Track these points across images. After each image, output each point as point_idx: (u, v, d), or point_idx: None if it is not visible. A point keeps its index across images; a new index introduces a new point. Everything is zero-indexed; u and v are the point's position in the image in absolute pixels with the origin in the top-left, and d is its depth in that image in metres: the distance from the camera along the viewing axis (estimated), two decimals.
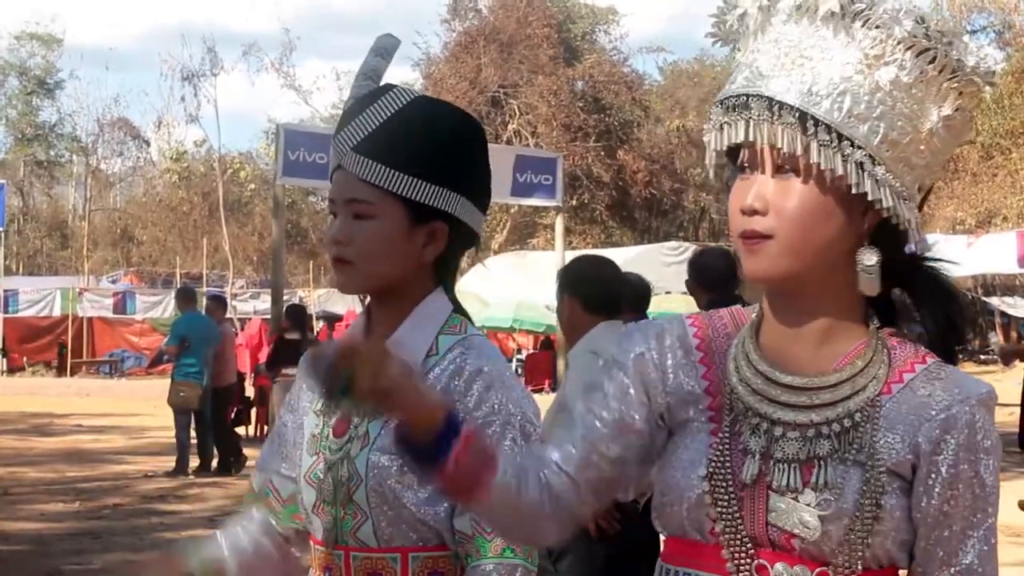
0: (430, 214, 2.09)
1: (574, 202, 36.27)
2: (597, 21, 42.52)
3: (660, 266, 19.65)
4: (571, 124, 37.64)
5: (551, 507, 1.70)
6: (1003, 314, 34.62)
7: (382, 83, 2.22)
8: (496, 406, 2.02)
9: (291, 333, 14.15)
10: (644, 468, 1.76)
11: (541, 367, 27.40)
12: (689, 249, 19.22)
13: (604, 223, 40.62)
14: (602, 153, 38.27)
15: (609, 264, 5.25)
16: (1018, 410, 15.78)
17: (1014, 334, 36.43)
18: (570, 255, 11.30)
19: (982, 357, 36.53)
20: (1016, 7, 36.15)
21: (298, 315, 14.84)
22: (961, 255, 19.54)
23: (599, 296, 4.92)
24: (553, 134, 36.74)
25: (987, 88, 1.64)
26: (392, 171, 2.05)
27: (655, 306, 7.00)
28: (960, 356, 1.71)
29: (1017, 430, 15.73)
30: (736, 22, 1.70)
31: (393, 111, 2.09)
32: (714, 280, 5.68)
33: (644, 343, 1.75)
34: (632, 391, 1.73)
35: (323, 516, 2.08)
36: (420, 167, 2.06)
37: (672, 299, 19.99)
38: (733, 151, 1.66)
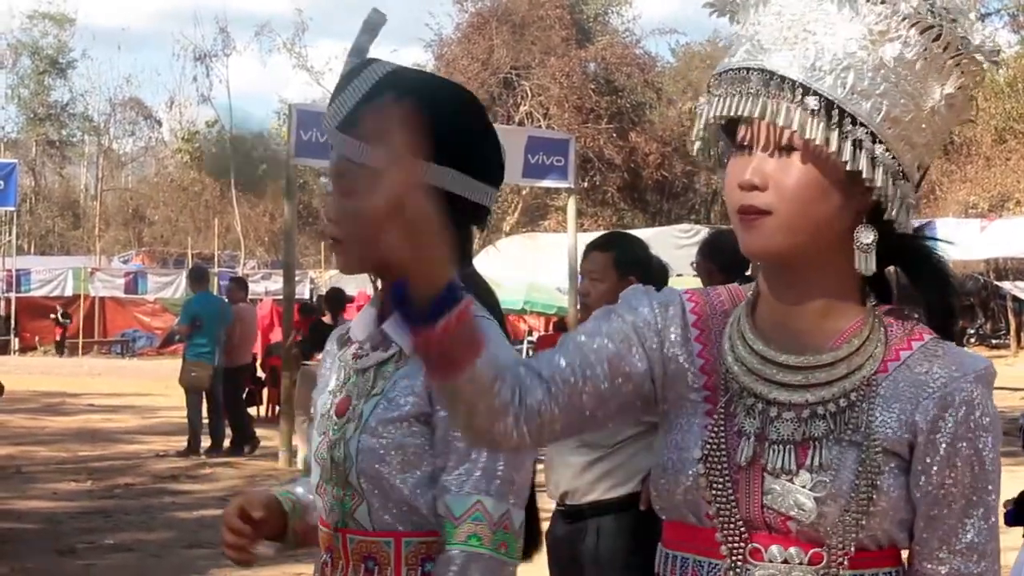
0: None
1: (586, 184, 36.15)
2: (610, 2, 42.29)
3: (672, 248, 19.49)
4: (583, 106, 37.49)
5: (515, 412, 1.62)
6: (1015, 298, 34.46)
7: (367, 58, 2.16)
8: None
9: (328, 317, 14.15)
10: (619, 417, 1.73)
11: None
12: (701, 231, 19.16)
13: (616, 205, 40.52)
14: (614, 135, 38.12)
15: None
16: None
17: None
18: (582, 237, 11.27)
19: (994, 341, 36.42)
20: None
21: (337, 300, 14.55)
22: (974, 239, 19.48)
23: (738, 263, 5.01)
24: (565, 116, 36.59)
25: (991, 67, 1.62)
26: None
27: None
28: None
29: None
30: None
31: (370, 86, 2.04)
32: (731, 262, 5.67)
33: (649, 307, 1.73)
34: (632, 340, 1.70)
35: (324, 496, 2.08)
36: None
37: (684, 281, 19.85)
38: (730, 127, 1.64)
